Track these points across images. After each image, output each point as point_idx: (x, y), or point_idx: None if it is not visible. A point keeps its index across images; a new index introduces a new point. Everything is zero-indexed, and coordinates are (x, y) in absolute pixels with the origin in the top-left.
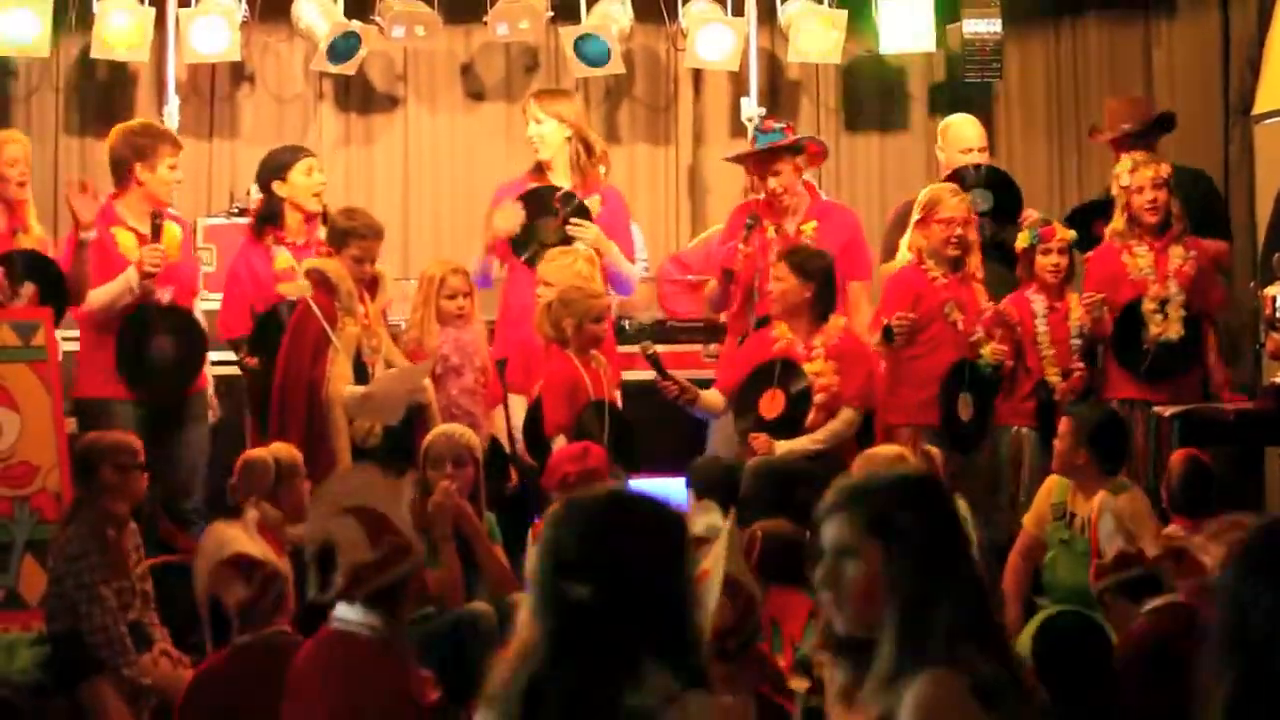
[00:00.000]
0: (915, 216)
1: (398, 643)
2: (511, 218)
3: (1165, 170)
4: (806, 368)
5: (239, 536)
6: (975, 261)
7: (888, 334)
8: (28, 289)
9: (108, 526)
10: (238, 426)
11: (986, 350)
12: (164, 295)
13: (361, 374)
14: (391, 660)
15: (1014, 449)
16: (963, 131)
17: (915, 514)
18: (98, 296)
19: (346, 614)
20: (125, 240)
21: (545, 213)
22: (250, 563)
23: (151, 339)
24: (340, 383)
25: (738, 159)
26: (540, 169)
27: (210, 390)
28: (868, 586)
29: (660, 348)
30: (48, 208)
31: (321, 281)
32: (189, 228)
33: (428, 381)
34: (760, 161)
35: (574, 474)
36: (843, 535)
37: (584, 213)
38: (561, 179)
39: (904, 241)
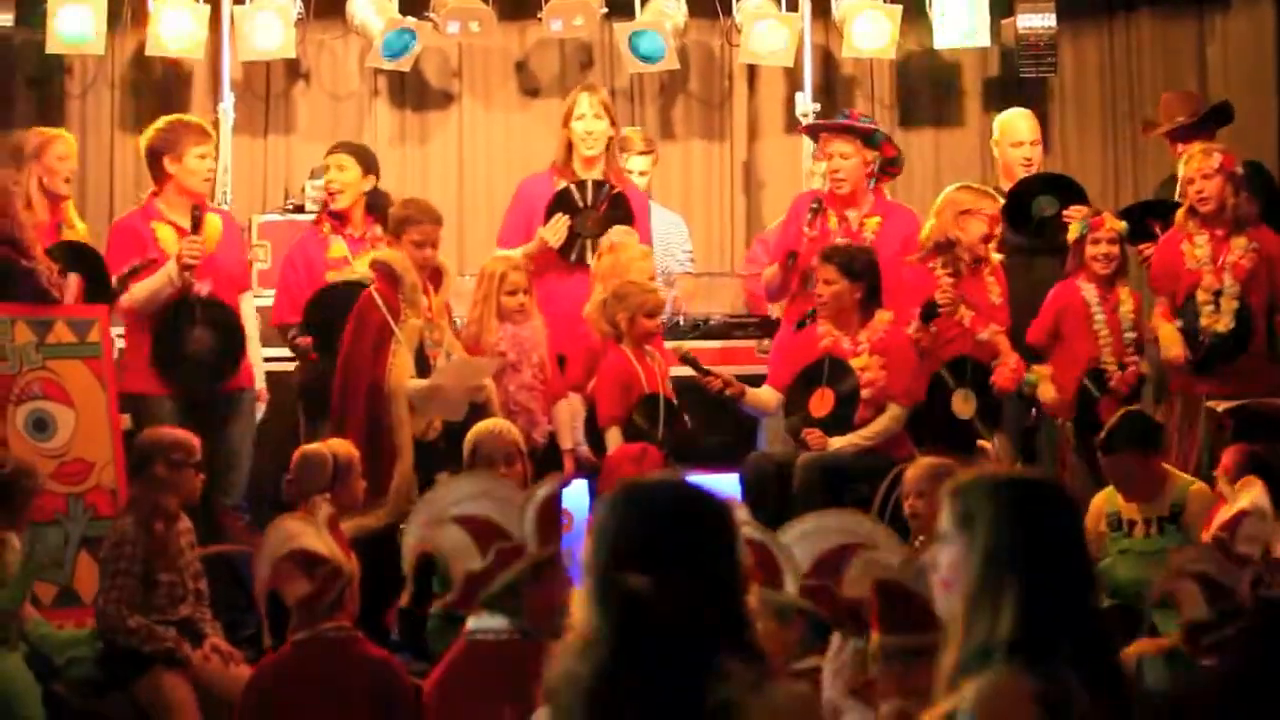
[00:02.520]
0: (952, 210)
1: (529, 641)
2: (562, 230)
3: (1216, 161)
4: (853, 363)
5: (306, 531)
6: (991, 255)
7: (927, 314)
8: (73, 279)
9: (156, 520)
10: (286, 424)
11: (1036, 378)
12: (203, 288)
13: (423, 367)
14: (525, 659)
15: (1057, 441)
16: (1015, 126)
17: (995, 511)
18: (139, 291)
19: (476, 624)
20: (165, 234)
21: (578, 209)
22: (312, 558)
23: (189, 331)
24: (402, 375)
25: (811, 128)
26: (568, 163)
27: (260, 384)
28: (949, 576)
29: (716, 344)
30: (104, 203)
31: (386, 274)
32: (232, 220)
33: (489, 380)
34: (831, 135)
35: (632, 475)
36: (943, 525)
37: (622, 201)
38: (583, 175)
39: (925, 233)
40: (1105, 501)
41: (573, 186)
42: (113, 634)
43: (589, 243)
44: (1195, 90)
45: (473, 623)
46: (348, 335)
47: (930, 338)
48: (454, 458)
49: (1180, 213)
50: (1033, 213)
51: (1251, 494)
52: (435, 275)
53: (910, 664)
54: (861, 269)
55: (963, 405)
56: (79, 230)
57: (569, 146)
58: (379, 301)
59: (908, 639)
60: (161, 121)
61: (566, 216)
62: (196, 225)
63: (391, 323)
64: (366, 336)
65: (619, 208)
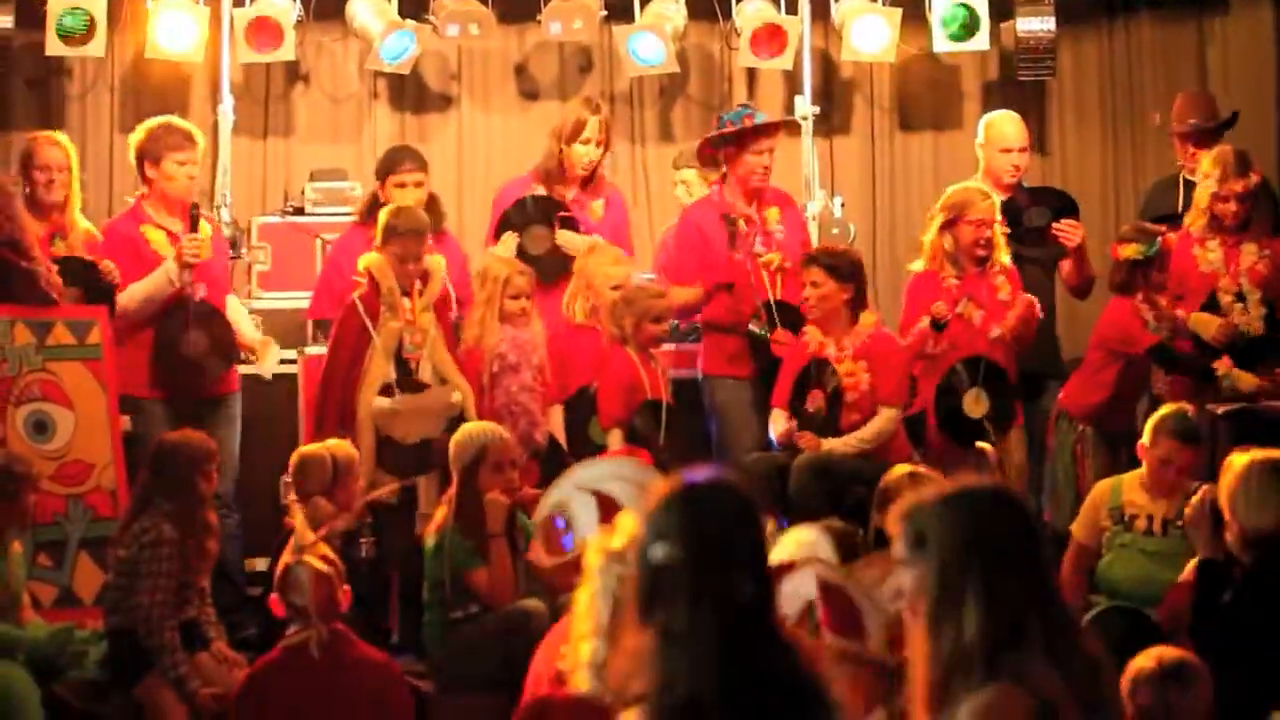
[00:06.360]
0: (942, 218)
1: None
2: (511, 247)
3: (1253, 181)
4: (838, 368)
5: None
6: (998, 256)
7: (936, 325)
8: (72, 295)
9: (208, 539)
10: (280, 425)
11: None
12: (199, 290)
13: (404, 369)
14: None
15: (1076, 443)
16: (1004, 130)
17: (946, 527)
18: (135, 292)
19: None
20: (155, 237)
21: (531, 222)
22: (331, 564)
23: (186, 334)
24: (372, 386)
25: (737, 133)
26: (560, 176)
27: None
28: (913, 599)
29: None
30: (103, 205)
31: (369, 278)
32: (215, 224)
33: (469, 389)
34: (759, 136)
35: None
36: (898, 551)
37: (569, 224)
38: (571, 191)
39: (926, 240)
40: (1109, 493)
41: (528, 200)
42: (146, 636)
43: (531, 261)
44: (1209, 92)
45: None
46: (330, 340)
47: (943, 345)
48: (428, 461)
49: (1198, 219)
50: (1023, 222)
51: None
52: (424, 277)
53: (859, 672)
54: (849, 271)
55: (974, 405)
56: (80, 228)
57: (560, 162)
58: (360, 307)
59: (848, 644)
60: (148, 124)
61: (515, 234)
62: (194, 224)
63: (371, 328)
64: (345, 341)
65: (566, 227)
